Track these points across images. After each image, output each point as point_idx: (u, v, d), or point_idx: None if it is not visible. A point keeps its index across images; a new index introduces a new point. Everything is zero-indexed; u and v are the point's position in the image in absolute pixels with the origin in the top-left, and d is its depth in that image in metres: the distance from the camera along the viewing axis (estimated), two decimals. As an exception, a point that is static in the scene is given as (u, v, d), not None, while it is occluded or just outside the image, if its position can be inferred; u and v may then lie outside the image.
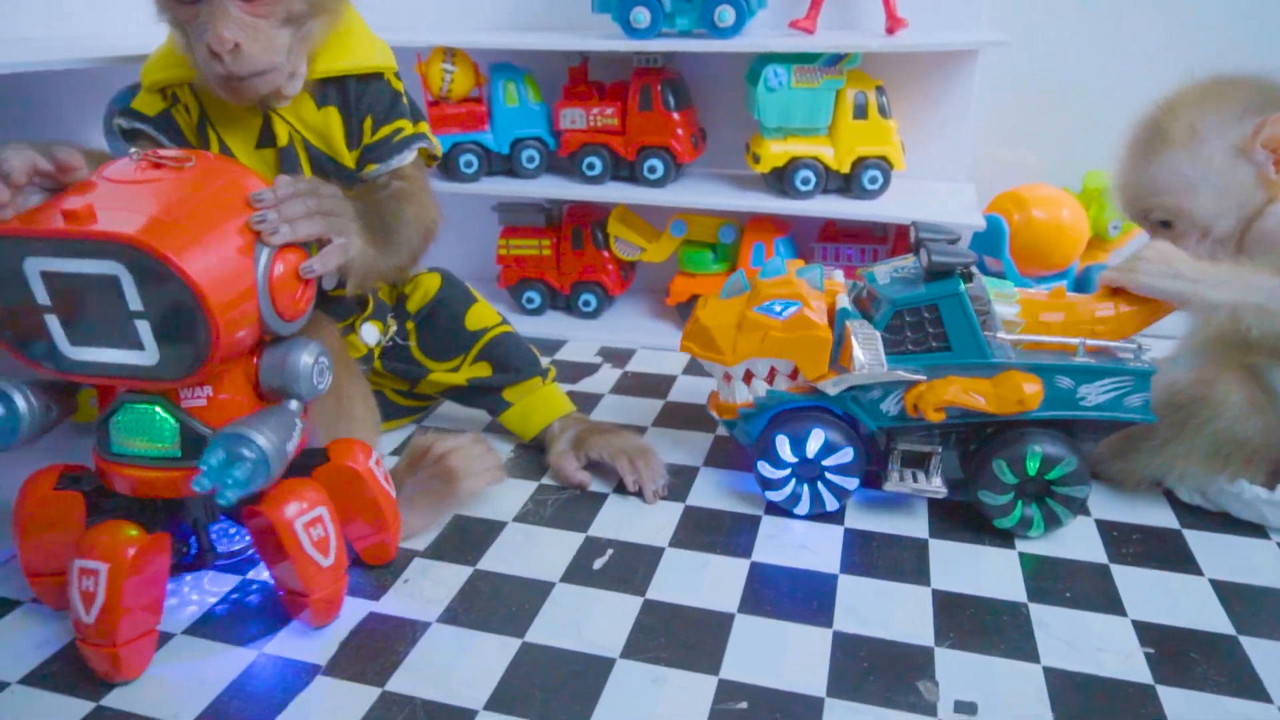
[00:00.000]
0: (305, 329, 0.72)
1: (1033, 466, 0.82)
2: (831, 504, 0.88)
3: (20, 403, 0.67)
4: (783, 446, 0.86)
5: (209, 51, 0.73)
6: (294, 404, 0.69)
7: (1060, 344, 0.82)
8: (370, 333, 0.97)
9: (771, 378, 0.89)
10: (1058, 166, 1.34)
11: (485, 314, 1.03)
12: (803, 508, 0.89)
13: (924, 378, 0.82)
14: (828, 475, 0.87)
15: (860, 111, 1.22)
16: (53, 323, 0.64)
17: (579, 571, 0.81)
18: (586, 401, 1.14)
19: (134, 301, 0.62)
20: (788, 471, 0.88)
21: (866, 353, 0.82)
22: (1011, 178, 1.35)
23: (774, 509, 0.90)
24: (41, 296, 0.63)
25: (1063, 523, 0.84)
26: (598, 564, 0.82)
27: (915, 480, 0.87)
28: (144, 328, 0.63)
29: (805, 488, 0.88)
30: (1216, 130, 0.84)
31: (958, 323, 0.81)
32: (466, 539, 0.86)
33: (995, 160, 1.38)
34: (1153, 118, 0.88)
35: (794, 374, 0.87)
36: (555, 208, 1.42)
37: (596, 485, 0.95)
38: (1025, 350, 0.83)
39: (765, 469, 0.88)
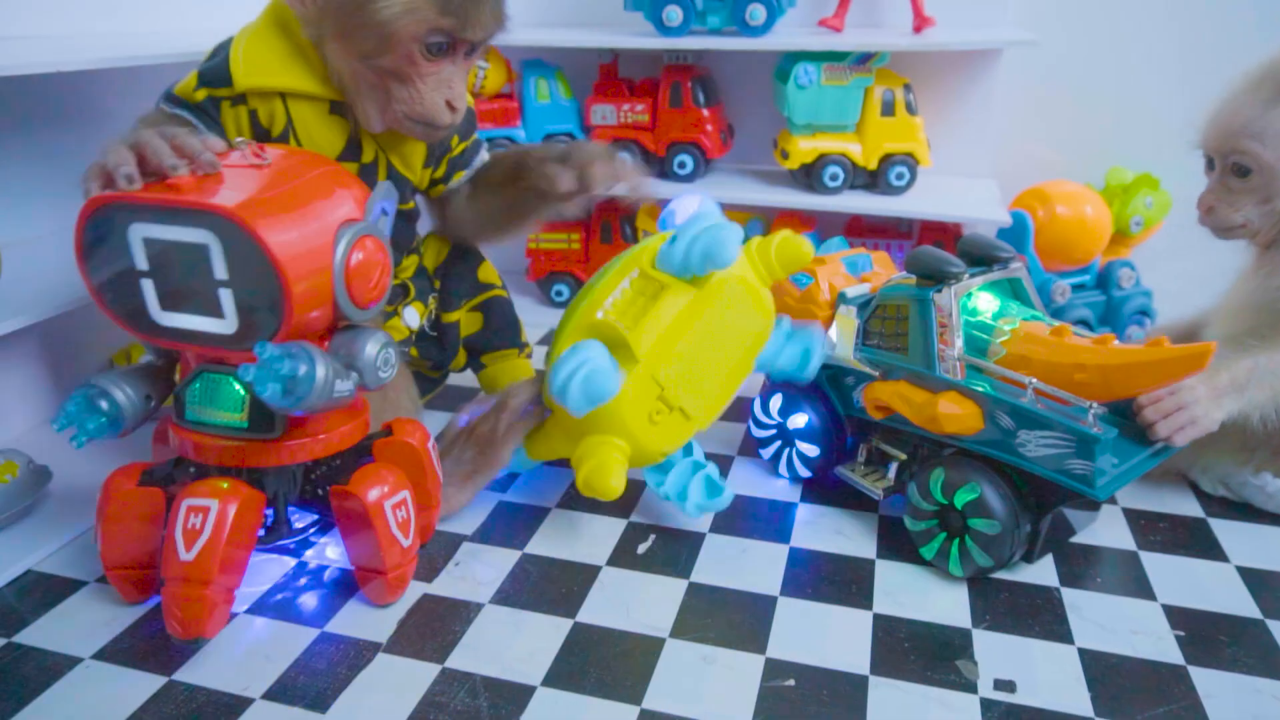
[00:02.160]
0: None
1: (935, 489, 0.79)
2: (802, 470, 0.94)
3: (120, 397, 0.74)
4: (757, 405, 0.97)
5: (447, 105, 0.83)
6: (353, 377, 0.71)
7: (1014, 379, 0.76)
8: (412, 315, 1.00)
9: None
10: (1081, 163, 1.36)
11: (491, 272, 1.09)
12: (783, 468, 0.96)
13: (876, 374, 0.85)
14: (796, 441, 0.93)
15: (888, 109, 1.24)
16: (147, 287, 0.69)
17: (624, 555, 0.84)
18: (619, 392, 1.17)
19: (220, 270, 0.66)
20: (773, 433, 0.96)
21: (839, 336, 0.88)
22: (1035, 174, 1.37)
23: (808, 496, 0.93)
24: (140, 262, 0.68)
25: (978, 563, 0.77)
26: (641, 549, 0.85)
27: (865, 476, 0.89)
28: (226, 296, 0.67)
29: (785, 450, 0.95)
30: None
31: (916, 329, 0.81)
32: (512, 524, 0.89)
33: (1019, 156, 1.40)
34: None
35: None
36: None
37: (632, 473, 0.97)
38: (997, 378, 0.78)
39: (753, 427, 0.98)
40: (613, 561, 0.83)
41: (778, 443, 0.96)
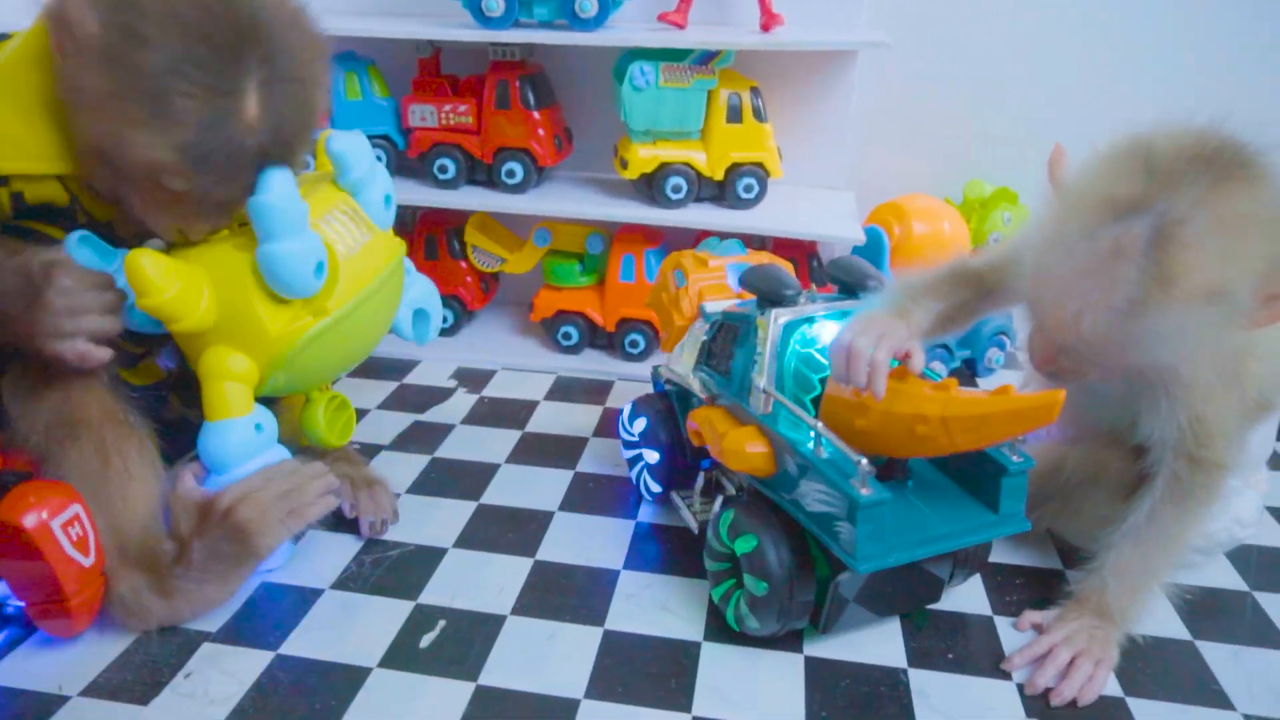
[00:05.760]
0: None
1: (722, 530, 0.70)
2: (653, 485, 0.87)
3: None
4: (625, 414, 0.90)
5: (179, 233, 0.71)
6: None
7: (808, 420, 0.66)
8: (170, 356, 0.84)
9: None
10: (940, 175, 1.29)
11: None
12: (637, 480, 0.90)
13: (704, 396, 0.78)
14: (644, 451, 0.87)
15: (734, 114, 1.14)
16: None
17: (402, 651, 0.69)
18: (432, 434, 1.02)
19: None
20: (637, 452, 0.89)
21: (685, 350, 0.81)
22: (893, 186, 1.29)
23: (632, 562, 0.81)
24: None
25: (746, 624, 0.69)
26: (425, 641, 0.70)
27: (689, 504, 0.83)
28: None
29: (640, 464, 0.89)
30: (1237, 291, 0.56)
31: (741, 354, 0.73)
32: (270, 614, 0.73)
33: (877, 167, 1.32)
34: (1161, 261, 0.55)
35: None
36: (407, 214, 1.29)
37: (434, 540, 0.83)
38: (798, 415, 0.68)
39: (623, 448, 0.92)
40: (388, 660, 0.68)
41: (641, 463, 0.89)
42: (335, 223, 0.75)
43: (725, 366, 0.76)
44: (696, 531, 0.80)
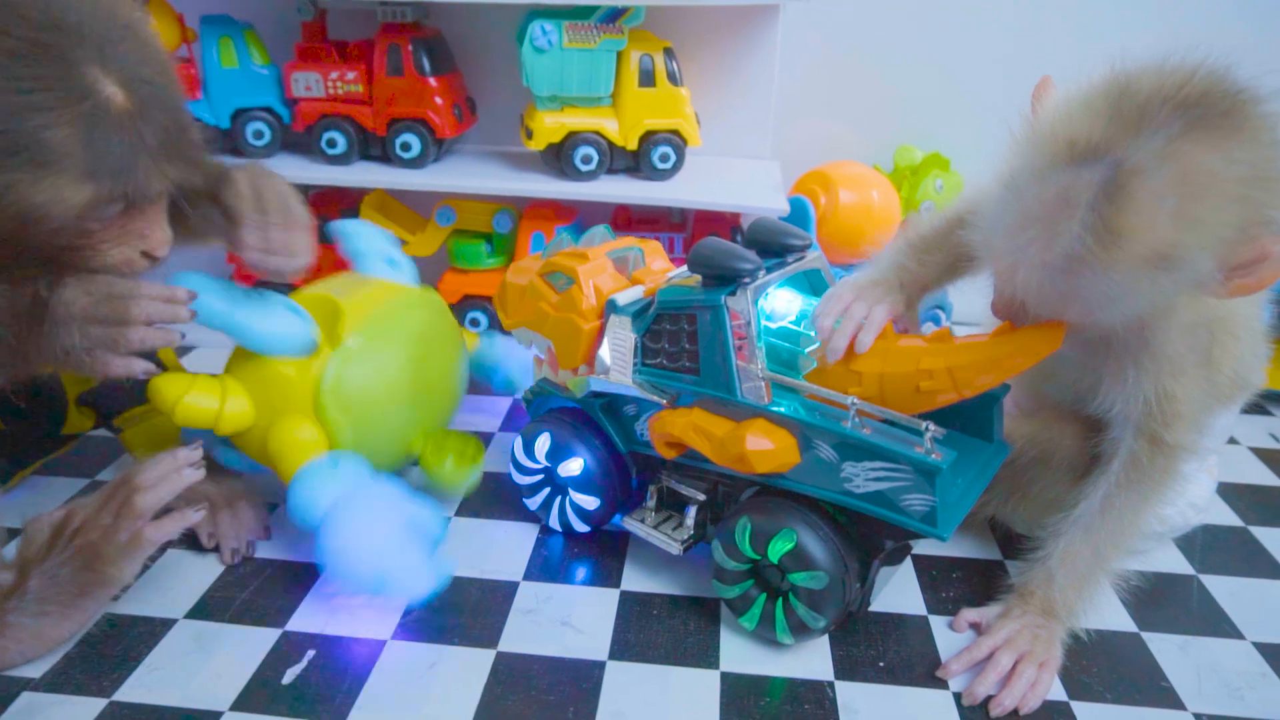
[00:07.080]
0: None
1: (743, 542, 0.63)
2: (579, 525, 0.76)
3: None
4: (518, 447, 0.77)
5: (144, 255, 0.62)
6: None
7: (834, 400, 0.61)
8: None
9: (554, 364, 0.76)
10: (867, 141, 1.22)
11: None
12: (554, 521, 0.78)
13: (663, 401, 0.68)
14: (570, 491, 0.75)
15: (647, 78, 1.05)
16: None
17: (261, 691, 0.60)
18: (322, 435, 0.92)
19: None
20: (539, 478, 0.77)
21: (613, 355, 0.70)
22: (820, 153, 1.22)
23: (533, 572, 0.73)
24: None
25: (809, 625, 0.62)
26: (289, 676, 0.61)
27: (657, 526, 0.72)
28: None
29: (557, 499, 0.77)
30: (1194, 259, 0.49)
31: (710, 343, 0.64)
32: (109, 653, 0.63)
33: (803, 134, 1.24)
34: (1108, 216, 0.48)
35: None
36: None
37: (311, 556, 0.74)
38: (812, 398, 0.63)
39: (515, 472, 0.79)
40: (242, 701, 0.59)
41: (546, 490, 0.77)
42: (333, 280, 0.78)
43: (684, 362, 0.66)
44: (681, 552, 0.70)
